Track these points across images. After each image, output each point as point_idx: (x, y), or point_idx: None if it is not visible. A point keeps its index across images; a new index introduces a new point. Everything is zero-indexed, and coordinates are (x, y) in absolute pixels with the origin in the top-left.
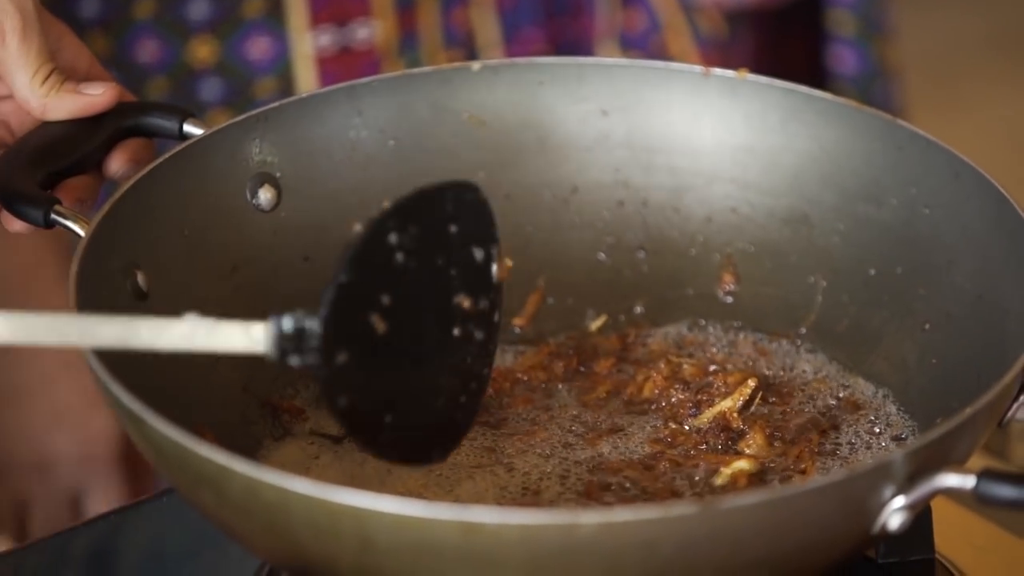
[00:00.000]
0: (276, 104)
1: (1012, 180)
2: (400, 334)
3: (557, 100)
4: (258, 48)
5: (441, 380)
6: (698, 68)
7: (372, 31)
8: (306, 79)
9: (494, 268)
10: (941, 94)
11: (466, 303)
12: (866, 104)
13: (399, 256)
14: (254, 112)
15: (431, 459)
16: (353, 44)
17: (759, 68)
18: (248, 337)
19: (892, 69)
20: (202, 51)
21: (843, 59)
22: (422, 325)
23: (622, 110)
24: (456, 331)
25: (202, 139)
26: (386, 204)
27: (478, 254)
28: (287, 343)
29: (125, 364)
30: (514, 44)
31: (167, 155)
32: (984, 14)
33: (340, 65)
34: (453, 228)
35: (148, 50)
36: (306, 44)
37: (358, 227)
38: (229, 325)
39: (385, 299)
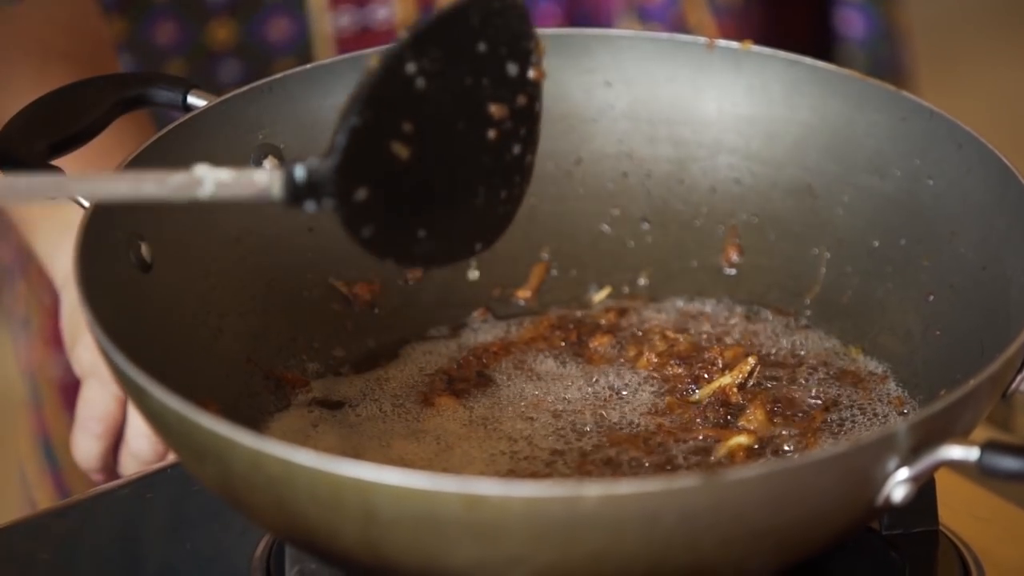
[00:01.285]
0: (280, 75)
1: (1016, 151)
2: (426, 155)
3: (562, 71)
4: (278, 29)
5: (479, 181)
6: (702, 40)
7: (391, 11)
8: None
9: (531, 72)
10: (944, 66)
11: (499, 111)
12: (874, 67)
13: (420, 82)
14: (258, 83)
15: (474, 251)
16: (373, 24)
17: (768, 35)
18: (259, 185)
19: (900, 32)
20: (221, 33)
21: (851, 22)
22: (452, 139)
23: (626, 82)
24: (491, 134)
25: (206, 110)
26: (403, 33)
27: (512, 64)
28: (301, 190)
29: (130, 336)
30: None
31: (171, 126)
32: None
33: (360, 45)
34: (482, 45)
35: (166, 32)
36: (326, 25)
37: (373, 60)
38: (242, 172)
39: (407, 127)
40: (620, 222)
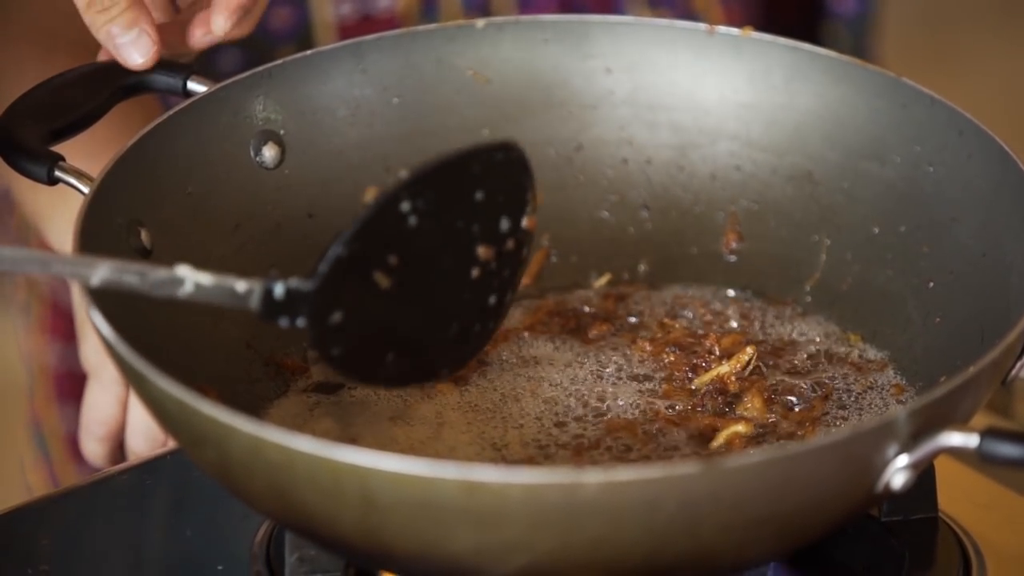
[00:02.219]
0: (280, 61)
1: (1016, 138)
2: (407, 286)
3: (562, 58)
4: (279, 17)
5: (454, 314)
6: (702, 26)
7: (391, 1)
8: None
9: (524, 222)
10: (945, 53)
11: (486, 253)
12: (859, 47)
13: (412, 220)
14: (258, 69)
15: (439, 377)
16: (374, 12)
17: (768, 15)
18: (238, 294)
19: (882, 13)
20: None
21: (842, 1)
22: (435, 273)
23: (627, 68)
24: (475, 273)
25: (206, 96)
26: (403, 173)
27: (506, 214)
28: (277, 307)
29: (130, 322)
30: (529, 11)
31: (171, 112)
32: None
33: (361, 33)
34: (479, 193)
35: None
36: (327, 13)
37: (370, 196)
38: (223, 279)
39: (392, 259)
40: (620, 209)
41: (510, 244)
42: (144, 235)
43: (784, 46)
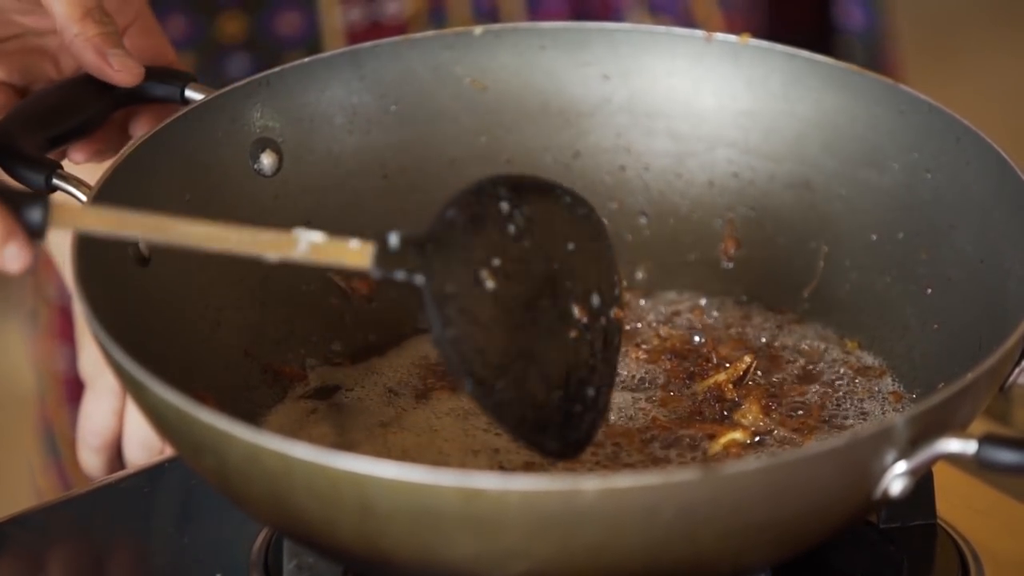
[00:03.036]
0: (278, 69)
1: (1012, 144)
2: (512, 303)
3: (559, 65)
4: (288, 23)
5: (555, 372)
6: (700, 33)
7: (402, 5)
8: None
9: (612, 311)
10: (943, 59)
11: (581, 313)
12: (873, 59)
13: (511, 228)
14: (256, 76)
15: (544, 446)
16: (383, 19)
17: (772, 27)
18: (352, 249)
19: (893, 25)
20: (231, 26)
21: (851, 13)
22: (537, 308)
23: (624, 75)
24: (572, 333)
25: (204, 104)
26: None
27: (595, 289)
28: (392, 259)
29: (128, 330)
30: (538, 17)
31: (169, 120)
32: None
33: (370, 40)
34: (571, 245)
35: (176, 26)
36: (336, 19)
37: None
38: (337, 239)
39: (495, 260)
40: (618, 216)
41: (599, 321)
42: (142, 243)
43: (782, 53)
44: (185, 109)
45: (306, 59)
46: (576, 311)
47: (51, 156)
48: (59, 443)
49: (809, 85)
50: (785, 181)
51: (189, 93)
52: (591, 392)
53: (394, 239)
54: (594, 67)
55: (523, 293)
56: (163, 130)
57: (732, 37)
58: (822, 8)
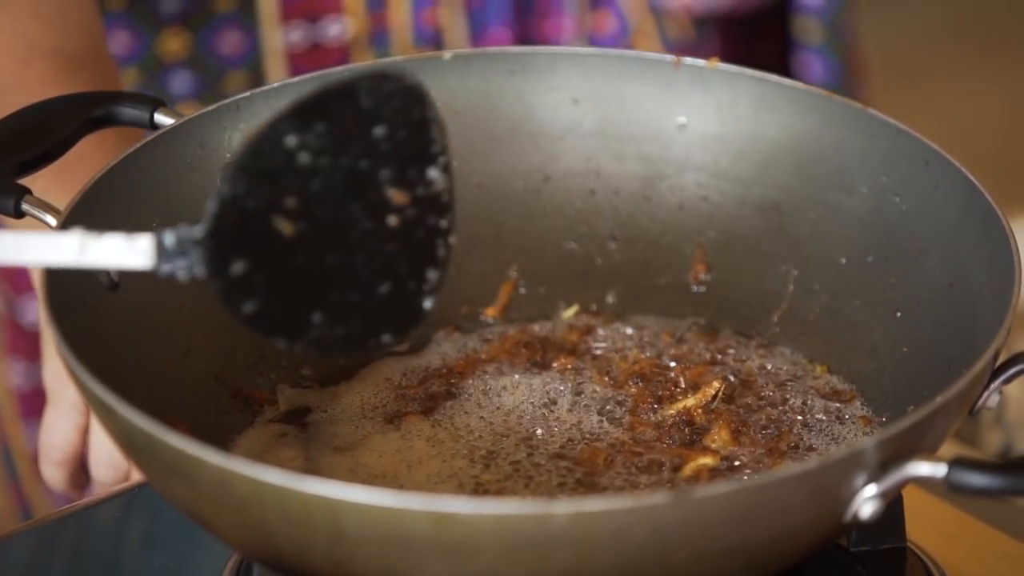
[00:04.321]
0: (248, 93)
1: (982, 169)
2: (317, 235)
3: (528, 89)
4: (229, 42)
5: (380, 269)
6: (669, 57)
7: (343, 28)
8: (276, 75)
9: (433, 171)
10: (911, 84)
11: (400, 197)
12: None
13: (303, 157)
14: (226, 101)
15: (380, 343)
16: (324, 41)
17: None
18: (132, 252)
19: (857, 75)
20: (173, 44)
21: (810, 67)
22: (346, 221)
23: (593, 99)
24: (392, 221)
25: (173, 128)
26: (283, 104)
27: (415, 158)
28: (172, 257)
29: (97, 353)
30: (481, 44)
31: (138, 145)
32: (944, 5)
33: (310, 61)
34: (379, 130)
35: (120, 42)
36: (277, 40)
37: (247, 130)
38: (113, 238)
39: (290, 201)
40: (588, 239)
41: (427, 188)
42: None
43: (751, 77)
44: (154, 134)
45: (275, 83)
46: (393, 196)
47: (20, 182)
48: (16, 459)
49: (777, 109)
50: (754, 205)
51: (159, 118)
52: (427, 268)
53: (170, 238)
54: (564, 91)
55: (330, 213)
56: (132, 155)
57: (701, 62)
58: (783, 64)
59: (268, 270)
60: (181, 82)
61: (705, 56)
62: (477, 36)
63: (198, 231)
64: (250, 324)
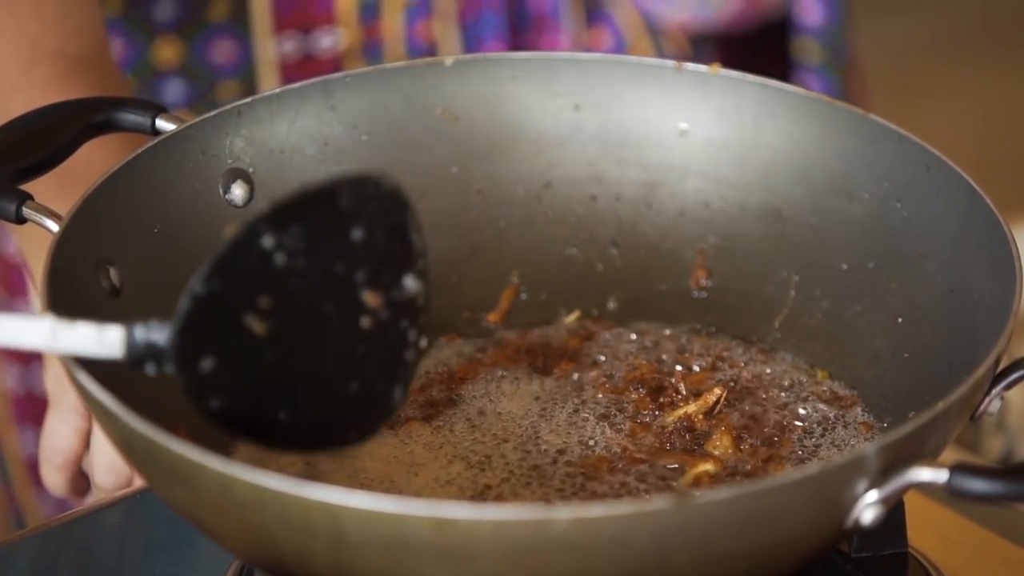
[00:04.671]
0: (248, 100)
1: (983, 174)
2: (288, 334)
3: (529, 95)
4: (222, 52)
5: (351, 371)
6: (670, 63)
7: (336, 39)
8: (269, 85)
9: (409, 281)
10: (912, 90)
11: (374, 300)
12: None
13: (279, 258)
14: (227, 107)
15: (346, 443)
16: (316, 52)
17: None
18: (102, 343)
19: (857, 95)
20: (167, 52)
21: (809, 87)
22: (319, 321)
23: (595, 105)
24: (365, 322)
25: (174, 134)
26: (262, 206)
27: (392, 261)
28: (140, 352)
29: (98, 361)
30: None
31: (139, 150)
32: (944, 14)
33: (303, 72)
34: (357, 232)
35: (114, 49)
36: (270, 50)
37: (229, 231)
38: (85, 328)
39: (263, 302)
40: (589, 246)
41: (402, 292)
42: (113, 274)
43: (752, 83)
44: (156, 140)
45: (277, 89)
46: (367, 298)
47: (22, 187)
48: (9, 464)
49: (779, 115)
50: (756, 211)
51: (160, 123)
52: (397, 367)
53: (140, 332)
54: (565, 97)
55: (304, 313)
56: (134, 161)
57: (702, 67)
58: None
59: (237, 367)
60: (174, 90)
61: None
62: (471, 51)
63: (168, 329)
64: (214, 420)
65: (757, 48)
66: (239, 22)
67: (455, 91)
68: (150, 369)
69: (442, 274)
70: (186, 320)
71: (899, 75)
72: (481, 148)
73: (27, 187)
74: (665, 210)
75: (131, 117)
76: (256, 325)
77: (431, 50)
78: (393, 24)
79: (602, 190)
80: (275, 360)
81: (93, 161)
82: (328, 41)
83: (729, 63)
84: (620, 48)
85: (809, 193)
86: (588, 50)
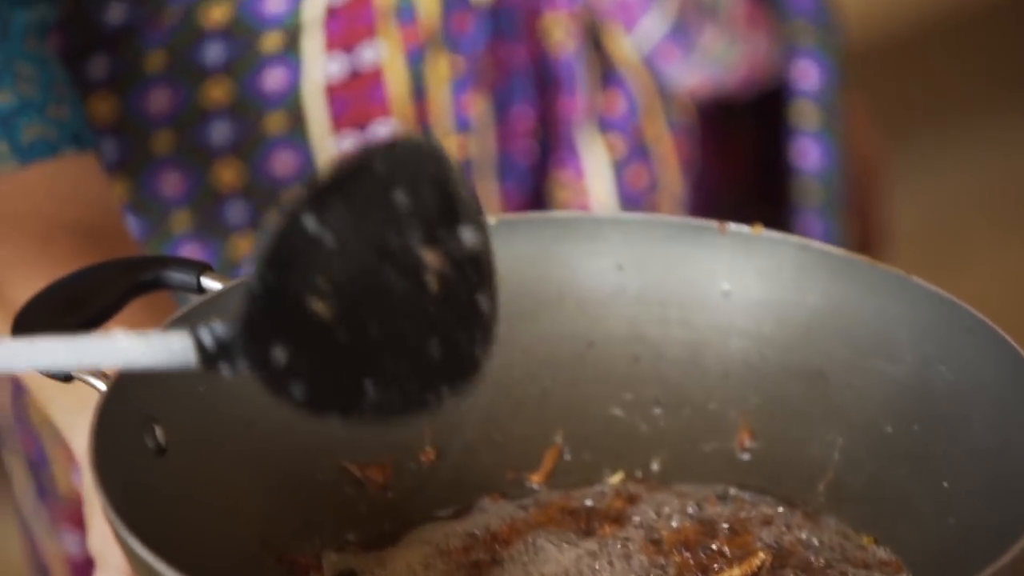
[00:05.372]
0: None
1: (1021, 337)
2: (355, 308)
3: (573, 254)
4: (273, 78)
5: (428, 330)
6: (713, 223)
7: (390, 130)
8: None
9: (466, 233)
10: (953, 252)
11: (434, 259)
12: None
13: (327, 239)
14: None
15: (441, 400)
16: (362, 68)
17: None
18: (172, 351)
19: (851, 161)
20: (227, 174)
21: (806, 153)
22: (384, 290)
23: (637, 265)
24: (431, 281)
25: (221, 293)
26: (299, 190)
27: (443, 213)
28: (211, 355)
29: (143, 519)
30: (504, 124)
31: (186, 309)
32: (981, 176)
33: (349, 93)
34: (399, 195)
35: (172, 184)
36: (318, 71)
37: (269, 221)
38: (154, 339)
39: (322, 283)
40: (633, 406)
41: (461, 247)
42: (159, 432)
43: (794, 244)
44: (201, 299)
45: None
46: (427, 257)
47: None
48: None
49: (820, 276)
50: (798, 371)
51: (205, 281)
52: (475, 319)
53: (207, 337)
54: (608, 257)
55: (366, 286)
56: (180, 319)
57: (745, 228)
58: (774, 148)
59: (311, 351)
60: (237, 213)
61: (705, 140)
62: (501, 116)
63: (234, 329)
64: (302, 407)
65: (758, 114)
66: (297, 132)
67: (499, 250)
68: (225, 371)
69: (485, 433)
70: (248, 318)
71: (940, 236)
72: (525, 307)
73: None
74: (709, 370)
75: (177, 275)
76: (320, 307)
77: (471, 122)
78: (439, 99)
79: (645, 350)
80: (348, 336)
81: (137, 319)
82: (383, 132)
83: (732, 132)
84: (633, 111)
85: (851, 354)
86: (603, 114)
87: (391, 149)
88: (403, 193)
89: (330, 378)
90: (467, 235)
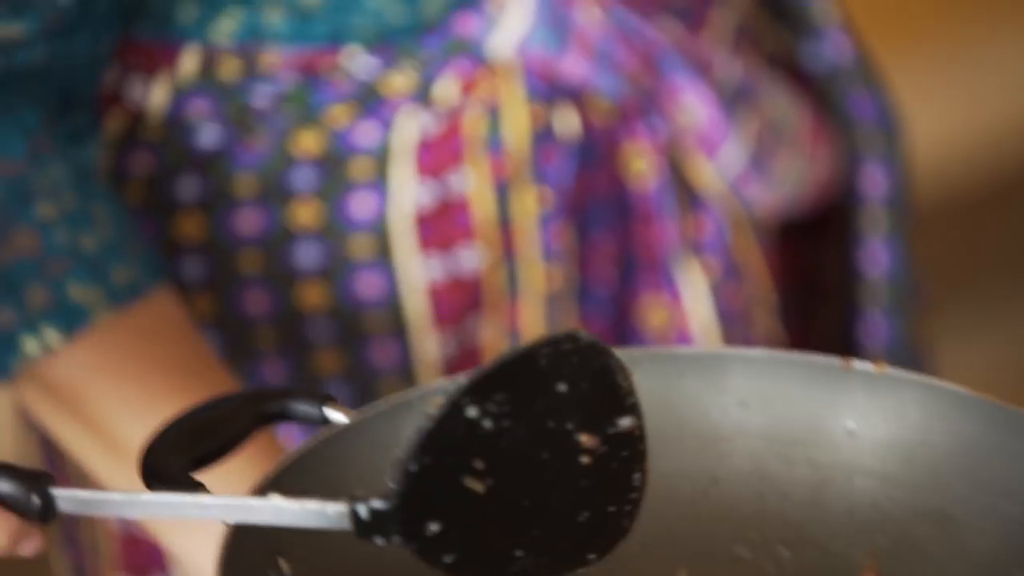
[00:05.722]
0: (420, 392)
1: None
2: (508, 485)
3: (697, 390)
4: (366, 285)
5: (578, 503)
6: (836, 361)
7: (476, 255)
8: (428, 380)
9: (624, 421)
10: None
11: (590, 441)
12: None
13: (486, 423)
14: (398, 400)
15: (586, 562)
16: (461, 274)
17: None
18: (327, 518)
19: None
20: (312, 295)
21: (876, 257)
22: (537, 469)
23: (761, 402)
24: (584, 460)
25: (346, 428)
26: (460, 379)
27: (602, 403)
28: (367, 528)
29: None
30: (585, 251)
31: (311, 442)
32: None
33: (451, 299)
34: (561, 386)
35: (257, 301)
36: (431, 347)
37: (431, 406)
38: (311, 504)
39: (478, 464)
40: (758, 545)
41: (617, 428)
42: (284, 565)
43: (919, 383)
44: (327, 432)
45: (448, 382)
46: (583, 440)
47: (195, 476)
48: None
49: (946, 415)
50: (925, 512)
51: (328, 413)
52: (625, 493)
53: (363, 511)
54: (731, 394)
55: (520, 466)
56: (304, 452)
57: (869, 366)
58: (847, 255)
59: (464, 524)
60: (321, 331)
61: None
62: (582, 243)
63: (389, 506)
64: (451, 572)
65: (816, 232)
66: (382, 255)
67: None
68: (379, 542)
69: (609, 571)
70: (404, 495)
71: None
72: (649, 442)
73: (200, 477)
74: (833, 510)
75: (302, 407)
76: (475, 485)
77: (559, 252)
78: (526, 228)
79: (769, 488)
80: (499, 509)
81: (261, 451)
82: (468, 257)
83: (803, 242)
84: (721, 237)
85: (980, 496)
86: (693, 241)
87: (557, 344)
88: (564, 385)
89: (481, 547)
90: (624, 421)
